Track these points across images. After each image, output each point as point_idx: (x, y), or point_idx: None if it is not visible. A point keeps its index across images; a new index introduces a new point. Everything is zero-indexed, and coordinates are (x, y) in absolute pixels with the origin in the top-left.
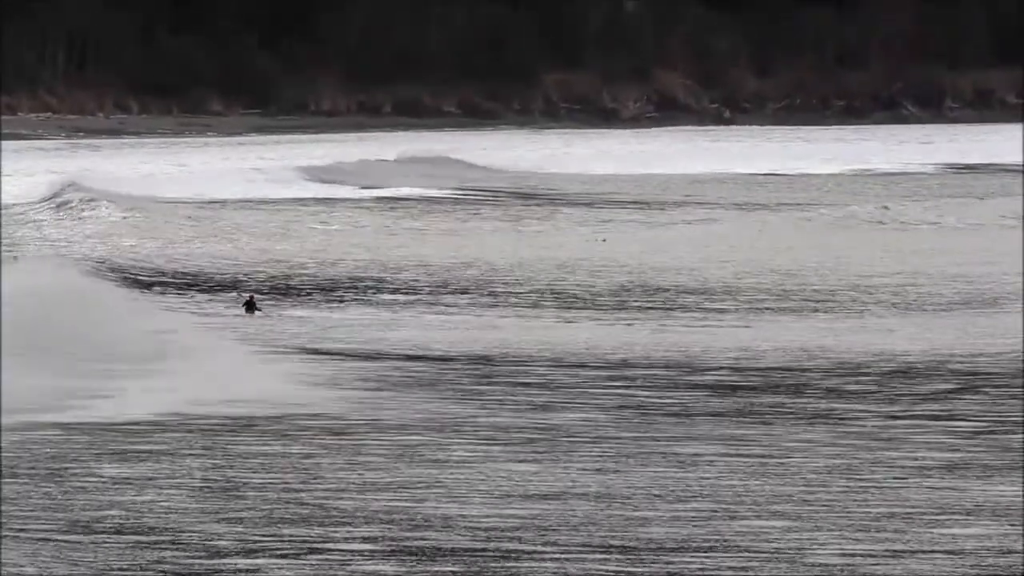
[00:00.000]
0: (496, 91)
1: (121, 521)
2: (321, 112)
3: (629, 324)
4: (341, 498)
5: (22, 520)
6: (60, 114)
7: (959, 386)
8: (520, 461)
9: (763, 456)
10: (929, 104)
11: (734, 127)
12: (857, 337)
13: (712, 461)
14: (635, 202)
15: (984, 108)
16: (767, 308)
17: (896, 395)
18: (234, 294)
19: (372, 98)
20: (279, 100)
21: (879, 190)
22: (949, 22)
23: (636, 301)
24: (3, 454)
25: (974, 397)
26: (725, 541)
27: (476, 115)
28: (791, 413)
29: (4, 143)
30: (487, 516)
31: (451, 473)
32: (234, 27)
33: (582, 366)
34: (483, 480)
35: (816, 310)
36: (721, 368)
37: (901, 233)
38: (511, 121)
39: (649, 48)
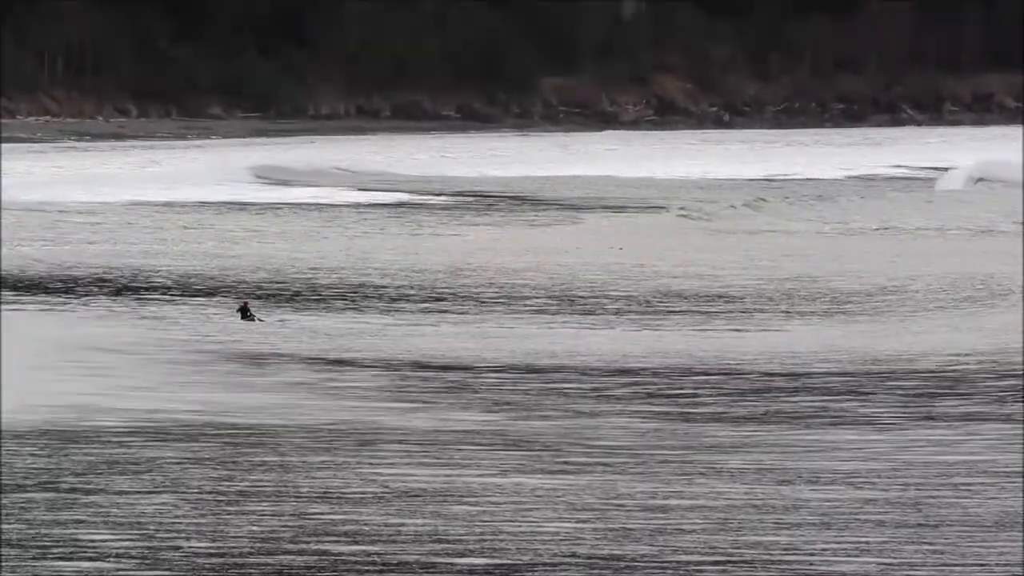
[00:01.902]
0: (495, 96)
1: None
2: (320, 116)
3: (657, 331)
4: (364, 511)
5: None
6: (60, 118)
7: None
8: (556, 472)
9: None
10: (928, 108)
11: (732, 130)
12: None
13: (759, 469)
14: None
15: (983, 112)
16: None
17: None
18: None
19: (371, 103)
20: (279, 105)
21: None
22: (948, 27)
23: (664, 307)
24: None
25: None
26: (769, 554)
27: (475, 119)
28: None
29: None
30: (519, 530)
31: (483, 485)
32: (233, 35)
33: (619, 372)
34: (517, 494)
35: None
36: (756, 373)
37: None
38: (510, 125)
39: (648, 53)
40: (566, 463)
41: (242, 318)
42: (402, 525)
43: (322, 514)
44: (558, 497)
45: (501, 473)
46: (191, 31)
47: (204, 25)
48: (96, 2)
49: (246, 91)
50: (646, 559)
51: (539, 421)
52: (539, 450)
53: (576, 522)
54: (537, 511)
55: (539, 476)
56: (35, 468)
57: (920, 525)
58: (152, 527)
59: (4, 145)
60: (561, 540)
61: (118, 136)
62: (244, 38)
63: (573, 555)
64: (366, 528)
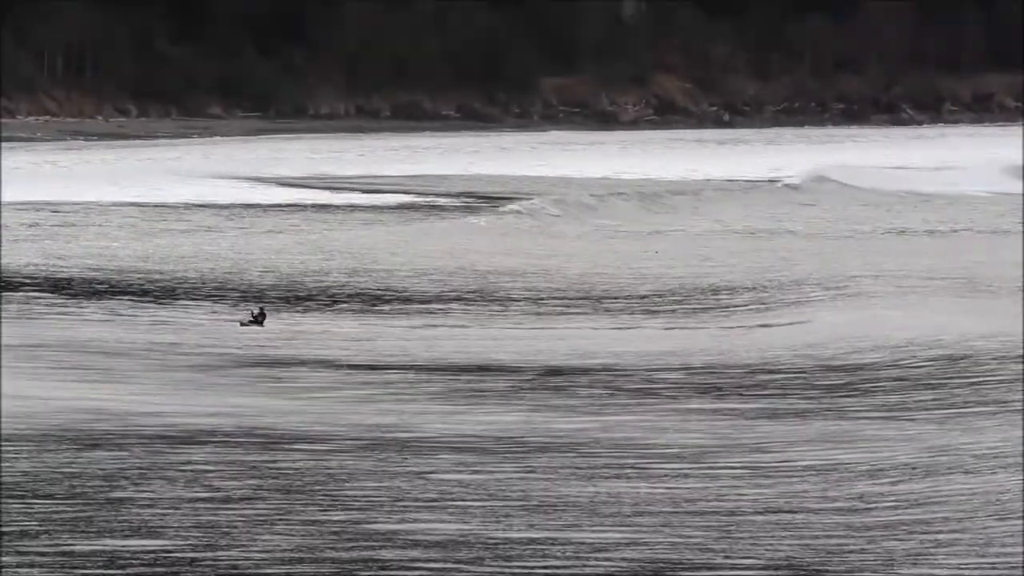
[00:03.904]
0: (495, 96)
1: None
2: (320, 116)
3: (689, 330)
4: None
5: None
6: (60, 118)
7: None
8: (612, 477)
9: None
10: (928, 108)
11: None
12: None
13: (829, 469)
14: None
15: (983, 111)
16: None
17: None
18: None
19: (371, 103)
20: (279, 105)
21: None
22: (948, 27)
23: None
24: None
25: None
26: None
27: (475, 119)
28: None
29: None
30: (573, 538)
31: (536, 492)
32: (233, 35)
33: (655, 371)
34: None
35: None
36: (786, 370)
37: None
38: (510, 125)
39: (647, 53)
40: (620, 466)
41: (258, 323)
42: (448, 531)
43: (367, 521)
44: (613, 501)
45: (552, 476)
46: (191, 31)
47: (204, 25)
48: (96, 2)
49: (246, 91)
50: (706, 564)
51: (586, 423)
52: (588, 453)
53: (634, 528)
54: (591, 516)
55: (591, 480)
56: (57, 474)
57: (993, 516)
58: (185, 535)
59: (4, 145)
60: (618, 545)
61: (118, 136)
62: (244, 38)
63: (630, 560)
64: (410, 534)
